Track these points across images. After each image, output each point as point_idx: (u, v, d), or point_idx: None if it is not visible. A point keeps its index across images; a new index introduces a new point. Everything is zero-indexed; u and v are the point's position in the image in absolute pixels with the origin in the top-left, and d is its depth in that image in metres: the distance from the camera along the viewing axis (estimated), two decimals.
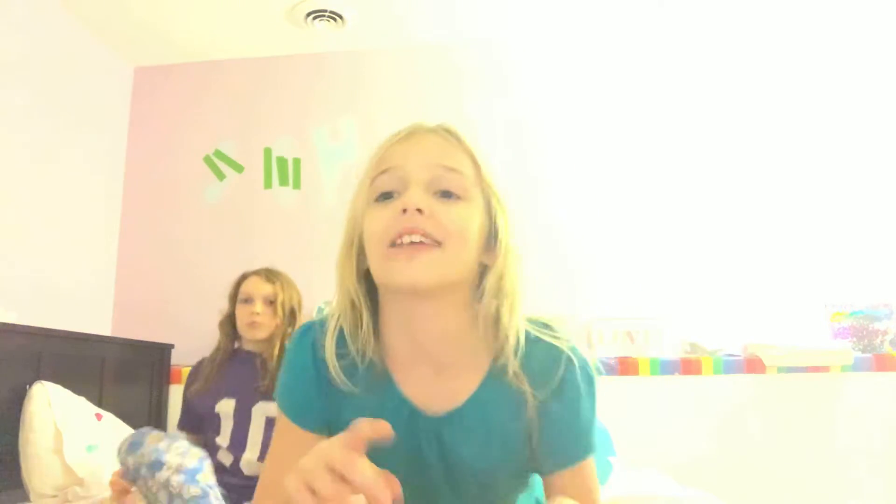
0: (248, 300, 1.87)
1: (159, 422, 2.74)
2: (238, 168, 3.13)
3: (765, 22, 2.90)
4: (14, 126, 2.50)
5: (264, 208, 3.06)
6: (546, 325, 0.86)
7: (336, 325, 0.84)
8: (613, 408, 2.35)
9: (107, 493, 1.90)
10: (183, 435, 1.61)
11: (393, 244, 0.76)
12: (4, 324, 2.05)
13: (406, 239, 0.76)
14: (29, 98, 2.58)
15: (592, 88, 3.01)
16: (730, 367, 2.58)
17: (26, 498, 1.93)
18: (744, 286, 2.74)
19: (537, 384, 0.81)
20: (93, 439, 2.08)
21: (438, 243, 0.77)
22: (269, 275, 1.91)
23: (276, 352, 1.80)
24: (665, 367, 2.61)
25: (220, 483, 1.72)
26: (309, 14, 2.85)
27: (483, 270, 0.83)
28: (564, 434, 0.83)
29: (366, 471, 0.58)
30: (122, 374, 2.57)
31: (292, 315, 1.89)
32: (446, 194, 0.79)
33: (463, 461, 0.82)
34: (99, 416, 2.22)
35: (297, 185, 3.07)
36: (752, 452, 2.49)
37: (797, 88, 2.88)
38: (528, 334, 0.83)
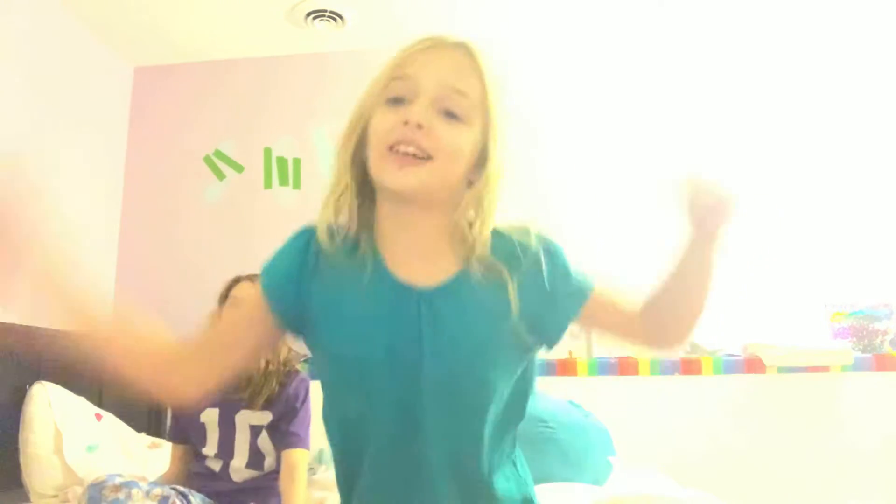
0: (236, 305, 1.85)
1: (159, 422, 2.74)
2: (238, 168, 3.13)
3: (765, 23, 2.90)
4: (14, 126, 2.50)
5: (264, 208, 3.06)
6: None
7: (334, 201, 0.90)
8: (613, 408, 2.37)
9: None
10: (143, 477, 1.54)
11: (390, 148, 0.83)
12: (4, 324, 2.05)
13: (402, 148, 0.82)
14: (29, 98, 2.58)
15: (592, 88, 3.01)
16: (730, 367, 2.58)
17: (26, 498, 1.93)
18: (744, 286, 2.73)
19: (513, 264, 0.87)
20: (93, 439, 2.08)
21: (429, 157, 0.83)
22: None
23: (260, 363, 1.77)
24: (665, 367, 2.61)
25: (209, 490, 1.71)
26: (309, 14, 2.85)
27: (469, 184, 0.89)
28: (564, 282, 0.89)
29: None
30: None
31: None
32: (449, 114, 0.84)
33: (455, 336, 0.85)
34: (99, 416, 2.23)
35: (297, 185, 3.07)
36: (752, 452, 2.49)
37: (797, 89, 2.88)
38: (497, 231, 0.89)
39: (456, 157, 0.84)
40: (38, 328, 2.17)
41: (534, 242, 0.89)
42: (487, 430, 0.87)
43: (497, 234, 0.88)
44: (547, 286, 0.87)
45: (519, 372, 0.89)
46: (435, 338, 0.84)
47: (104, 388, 2.45)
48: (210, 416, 1.76)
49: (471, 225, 0.87)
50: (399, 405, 0.84)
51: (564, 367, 2.62)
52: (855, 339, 2.58)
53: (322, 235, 0.88)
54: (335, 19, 2.89)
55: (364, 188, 0.90)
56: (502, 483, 0.89)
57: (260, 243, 3.42)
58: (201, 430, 1.77)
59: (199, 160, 3.14)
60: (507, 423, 0.90)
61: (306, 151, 3.10)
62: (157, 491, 1.42)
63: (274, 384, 1.77)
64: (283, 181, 3.08)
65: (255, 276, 1.88)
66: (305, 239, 0.91)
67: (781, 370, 2.53)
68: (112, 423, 2.27)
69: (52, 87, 2.70)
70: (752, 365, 2.56)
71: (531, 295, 0.86)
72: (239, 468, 1.74)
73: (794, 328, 2.65)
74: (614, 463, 2.07)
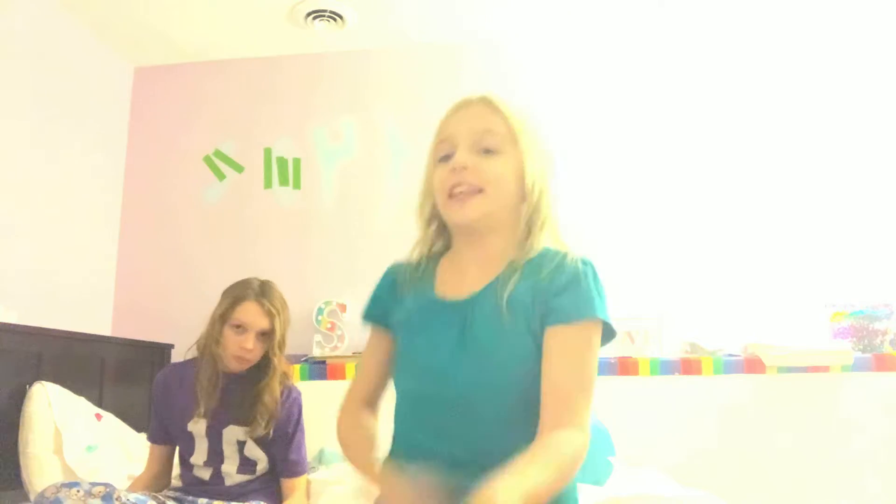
0: (242, 329, 1.69)
1: None
2: (238, 168, 3.13)
3: (765, 22, 2.90)
4: (14, 126, 2.50)
5: (264, 208, 3.06)
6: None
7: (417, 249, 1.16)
8: (613, 408, 2.37)
9: None
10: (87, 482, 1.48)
11: (450, 195, 1.03)
12: (4, 324, 2.05)
13: (457, 190, 1.03)
14: (29, 98, 2.58)
15: (592, 88, 3.01)
16: (730, 367, 2.58)
17: (26, 498, 1.93)
18: (744, 286, 2.73)
19: (539, 271, 1.01)
20: (93, 439, 2.08)
21: (480, 190, 1.02)
22: (268, 305, 1.72)
23: (272, 383, 1.70)
24: (665, 367, 2.61)
25: (203, 493, 1.69)
26: (309, 14, 2.85)
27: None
28: (564, 295, 0.98)
29: None
30: (122, 374, 2.57)
31: (282, 343, 1.75)
32: (487, 151, 1.04)
33: (481, 338, 0.99)
34: (99, 416, 2.23)
35: (297, 185, 3.07)
36: (752, 452, 2.49)
37: (798, 88, 2.88)
38: (547, 249, 1.06)
39: (500, 182, 1.03)
40: (38, 328, 2.17)
41: (569, 260, 1.02)
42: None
43: (546, 252, 1.05)
44: (562, 287, 0.98)
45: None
46: (465, 342, 1.00)
47: (104, 388, 2.45)
48: (198, 427, 1.71)
49: (528, 236, 1.05)
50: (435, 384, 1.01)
51: None
52: (855, 339, 2.58)
53: (401, 270, 1.13)
54: (335, 19, 2.89)
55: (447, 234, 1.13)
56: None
57: (260, 243, 3.44)
58: (189, 439, 1.72)
59: (198, 160, 3.14)
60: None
61: (306, 151, 3.10)
62: (98, 489, 1.38)
63: (267, 403, 1.70)
64: (283, 181, 3.08)
65: (259, 296, 1.72)
66: (391, 273, 1.16)
67: (781, 370, 2.53)
68: (112, 423, 2.27)
69: (52, 87, 2.70)
70: (752, 365, 2.56)
71: (549, 289, 0.99)
72: (230, 473, 1.71)
73: (794, 328, 2.66)
74: (614, 463, 2.07)
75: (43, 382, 2.05)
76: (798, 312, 2.68)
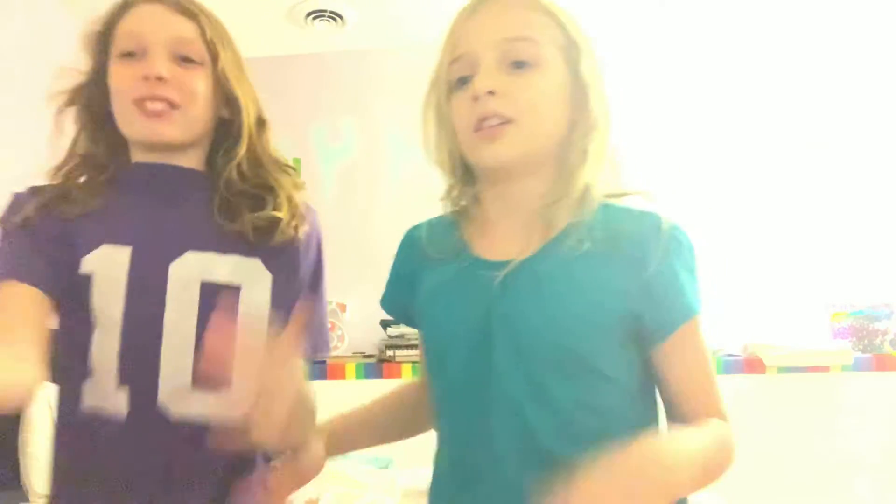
0: (135, 55, 0.96)
1: None
2: None
3: (765, 23, 2.90)
4: (14, 126, 2.50)
5: None
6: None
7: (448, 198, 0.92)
8: None
9: None
10: None
11: (476, 129, 0.79)
12: None
13: (486, 124, 0.78)
14: (29, 98, 2.57)
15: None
16: (730, 367, 2.58)
17: (26, 498, 1.93)
18: (744, 286, 2.73)
19: (618, 246, 0.80)
20: None
21: (510, 120, 0.78)
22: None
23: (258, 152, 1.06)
24: None
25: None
26: (309, 14, 2.85)
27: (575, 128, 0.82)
28: (656, 296, 0.79)
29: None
30: None
31: (235, 80, 1.04)
32: (517, 64, 0.78)
33: (531, 316, 0.77)
34: None
35: None
36: (752, 452, 2.48)
37: (797, 89, 2.88)
38: (610, 205, 0.85)
39: (538, 109, 0.79)
40: None
41: (662, 232, 0.83)
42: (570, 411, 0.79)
43: (611, 209, 0.84)
44: (650, 284, 0.78)
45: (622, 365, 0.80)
46: (507, 312, 0.78)
47: None
48: None
49: (580, 179, 0.81)
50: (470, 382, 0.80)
51: None
52: (855, 339, 2.58)
53: (421, 233, 0.91)
54: (335, 19, 2.89)
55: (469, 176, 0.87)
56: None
57: None
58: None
59: None
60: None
61: (306, 151, 3.09)
62: None
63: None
64: None
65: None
66: (408, 240, 0.96)
67: (781, 370, 2.53)
68: None
69: (52, 87, 2.69)
70: (752, 365, 2.55)
71: (636, 284, 0.77)
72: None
73: (794, 328, 2.65)
74: None
75: (43, 382, 2.05)
76: (798, 312, 2.68)
